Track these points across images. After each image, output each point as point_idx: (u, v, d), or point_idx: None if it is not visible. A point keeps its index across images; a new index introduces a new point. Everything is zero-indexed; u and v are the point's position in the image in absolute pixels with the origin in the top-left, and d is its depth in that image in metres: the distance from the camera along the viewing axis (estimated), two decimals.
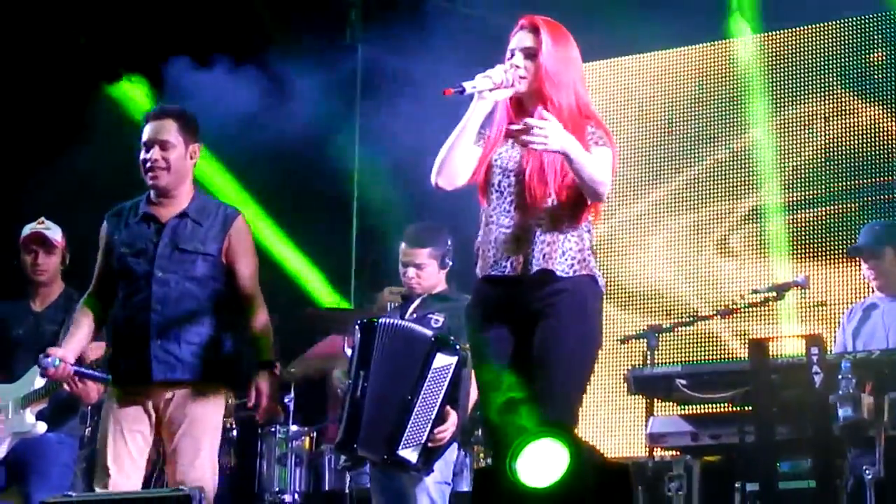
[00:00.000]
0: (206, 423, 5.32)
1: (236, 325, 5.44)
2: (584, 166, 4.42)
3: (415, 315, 6.10)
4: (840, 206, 8.09)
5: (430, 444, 5.67)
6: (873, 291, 6.79)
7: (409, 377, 5.70)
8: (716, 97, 8.66)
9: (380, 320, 5.91)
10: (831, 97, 8.32)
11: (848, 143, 8.23)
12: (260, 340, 5.42)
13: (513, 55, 4.63)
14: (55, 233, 6.69)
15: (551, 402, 4.38)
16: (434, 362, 5.69)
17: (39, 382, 6.42)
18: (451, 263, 6.13)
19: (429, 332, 5.81)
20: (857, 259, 6.93)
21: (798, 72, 8.46)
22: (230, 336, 5.43)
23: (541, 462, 3.85)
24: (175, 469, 5.28)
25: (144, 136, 5.42)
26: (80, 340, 5.51)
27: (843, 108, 8.26)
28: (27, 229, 6.68)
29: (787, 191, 8.33)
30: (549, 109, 4.54)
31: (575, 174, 4.45)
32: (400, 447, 5.64)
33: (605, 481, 3.74)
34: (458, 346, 5.70)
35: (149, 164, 5.38)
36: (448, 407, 5.70)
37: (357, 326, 5.90)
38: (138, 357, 5.31)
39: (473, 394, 5.74)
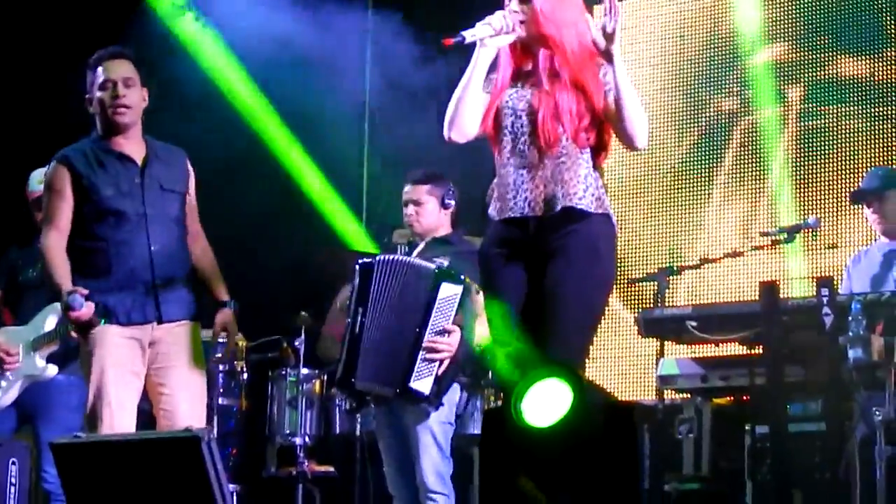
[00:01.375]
0: (200, 360, 5.43)
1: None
2: (630, 95, 4.49)
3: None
4: (848, 149, 8.02)
5: (440, 374, 5.73)
6: (878, 238, 6.73)
7: (417, 310, 5.76)
8: (721, 45, 8.57)
9: (378, 257, 5.97)
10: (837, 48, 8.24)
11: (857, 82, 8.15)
12: (216, 280, 5.56)
13: (511, 2, 4.59)
14: None
15: (561, 341, 4.39)
16: (440, 292, 5.75)
17: (50, 325, 6.43)
18: (452, 204, 6.15)
19: (432, 265, 5.85)
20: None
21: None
22: (211, 270, 5.59)
23: (545, 402, 3.86)
24: (174, 406, 5.34)
25: (104, 76, 5.41)
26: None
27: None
28: (32, 184, 6.58)
29: (796, 135, 8.27)
30: (553, 50, 4.52)
31: (617, 106, 4.50)
32: (412, 379, 5.71)
33: (610, 419, 3.74)
34: (461, 276, 5.76)
35: (116, 101, 5.39)
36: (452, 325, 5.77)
37: (356, 266, 5.95)
38: (141, 298, 5.35)
39: (481, 330, 5.75)
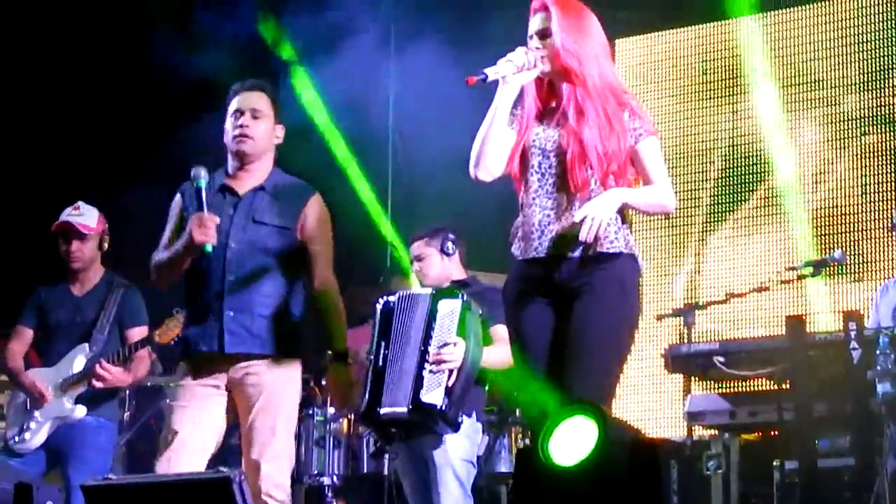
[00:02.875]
0: (281, 399, 5.20)
1: (308, 302, 5.34)
2: (647, 202, 4.59)
3: None
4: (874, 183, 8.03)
5: (450, 385, 5.75)
6: None
7: (420, 331, 5.86)
8: (747, 79, 8.60)
9: (398, 295, 6.06)
10: (868, 70, 8.25)
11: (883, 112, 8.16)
12: (334, 328, 5.32)
13: (531, 39, 4.60)
14: (88, 218, 6.64)
15: (588, 379, 4.38)
16: (439, 310, 5.86)
17: (78, 366, 6.47)
18: (455, 249, 6.24)
19: (428, 290, 6.00)
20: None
21: (832, 45, 8.39)
22: (301, 313, 5.32)
23: (571, 440, 3.86)
24: (251, 446, 5.18)
25: (236, 105, 5.35)
26: None
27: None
28: (61, 216, 6.66)
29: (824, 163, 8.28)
30: (575, 83, 4.54)
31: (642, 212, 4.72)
32: (423, 394, 5.75)
33: (635, 456, 3.74)
34: (459, 293, 5.87)
35: (238, 131, 5.30)
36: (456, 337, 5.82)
37: (378, 305, 6.04)
38: (211, 329, 5.23)
39: (498, 355, 5.77)
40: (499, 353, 5.77)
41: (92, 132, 9.11)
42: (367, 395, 5.89)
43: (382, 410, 5.86)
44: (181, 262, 5.28)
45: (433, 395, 5.75)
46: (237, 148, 5.32)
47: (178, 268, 5.31)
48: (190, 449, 5.19)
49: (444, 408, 5.73)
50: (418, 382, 5.77)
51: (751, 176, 8.55)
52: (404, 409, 5.80)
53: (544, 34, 4.57)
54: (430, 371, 5.78)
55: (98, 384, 6.37)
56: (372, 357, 5.95)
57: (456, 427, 5.79)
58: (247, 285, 5.23)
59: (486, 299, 5.91)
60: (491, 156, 4.57)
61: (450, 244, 6.24)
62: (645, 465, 3.75)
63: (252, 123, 5.30)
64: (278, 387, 5.19)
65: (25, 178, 8.91)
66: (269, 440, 5.15)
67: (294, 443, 5.37)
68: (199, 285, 5.30)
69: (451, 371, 5.76)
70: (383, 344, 5.92)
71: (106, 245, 6.73)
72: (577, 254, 4.49)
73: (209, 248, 5.16)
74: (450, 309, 5.86)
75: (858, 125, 8.21)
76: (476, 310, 5.86)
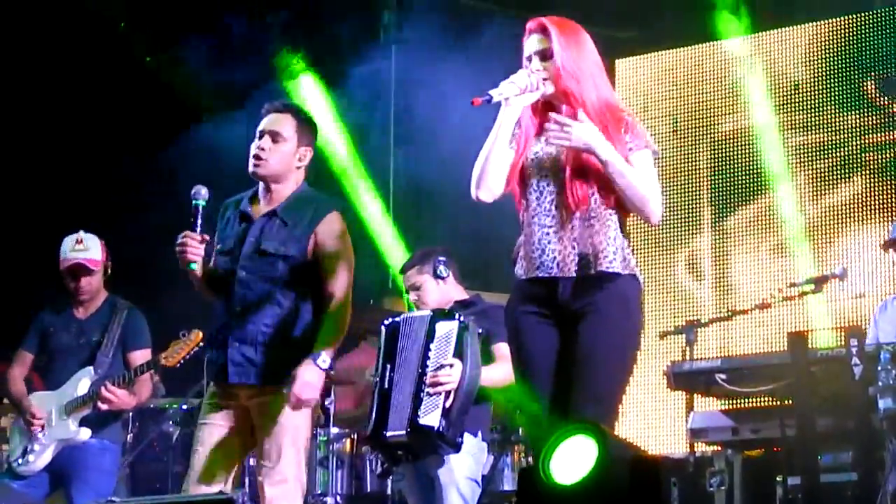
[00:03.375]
0: (286, 426, 5.16)
1: (318, 322, 5.24)
2: (627, 179, 4.45)
3: None
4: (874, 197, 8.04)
5: (447, 406, 5.74)
6: None
7: (418, 353, 5.86)
8: (744, 98, 8.62)
9: (402, 317, 6.05)
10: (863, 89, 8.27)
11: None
12: (321, 333, 5.18)
13: (530, 60, 4.60)
14: (93, 251, 6.64)
15: (597, 407, 4.37)
16: (436, 331, 5.86)
17: (83, 389, 6.48)
18: (448, 271, 6.21)
19: (427, 312, 5.98)
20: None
21: (832, 64, 8.41)
22: (311, 336, 5.20)
23: (572, 459, 3.87)
24: (259, 470, 5.20)
25: (260, 126, 5.32)
26: None
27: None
28: (65, 251, 6.64)
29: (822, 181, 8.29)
30: (573, 106, 4.54)
31: (613, 182, 4.46)
32: (420, 416, 5.75)
33: (635, 473, 3.75)
34: (456, 315, 5.86)
35: (255, 153, 5.29)
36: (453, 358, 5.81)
37: (383, 326, 6.04)
38: (219, 359, 5.25)
39: (499, 373, 5.78)
40: (500, 372, 5.77)
41: (91, 153, 9.13)
42: (373, 418, 5.91)
43: (388, 434, 5.87)
44: (193, 280, 5.30)
45: (430, 417, 5.75)
46: (251, 170, 5.31)
47: (195, 285, 5.34)
48: (211, 467, 5.19)
49: (441, 429, 5.73)
50: (416, 405, 5.78)
51: (749, 192, 8.56)
52: (403, 433, 5.81)
53: (545, 55, 4.57)
54: (427, 393, 5.78)
55: (103, 406, 6.39)
56: (377, 379, 5.97)
57: (457, 447, 5.79)
58: (252, 315, 5.21)
59: (489, 317, 5.92)
60: (493, 176, 4.57)
61: (441, 267, 6.20)
62: (646, 483, 3.76)
63: (270, 147, 5.27)
64: (285, 414, 5.15)
65: (25, 199, 8.92)
66: (275, 464, 5.14)
67: (305, 469, 5.29)
68: (215, 312, 5.33)
69: (447, 392, 5.76)
70: (388, 366, 5.93)
71: (109, 271, 6.76)
72: (578, 273, 4.49)
73: (193, 266, 5.17)
74: (447, 330, 5.86)
75: (858, 143, 8.22)
76: (475, 329, 5.86)
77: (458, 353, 5.80)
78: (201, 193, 5.24)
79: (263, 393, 5.18)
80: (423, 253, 6.33)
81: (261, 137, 5.29)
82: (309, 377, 5.10)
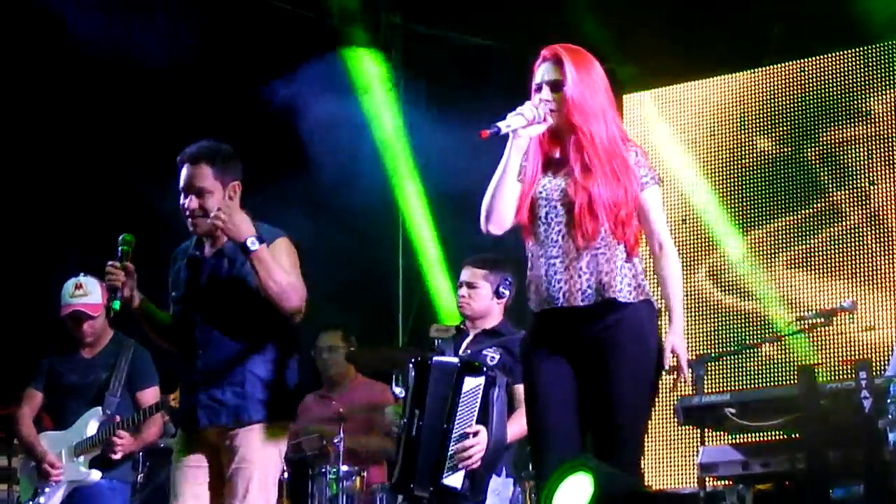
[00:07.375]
0: (254, 462, 5.15)
1: (284, 356, 5.24)
2: (682, 297, 4.66)
3: (468, 351, 6.13)
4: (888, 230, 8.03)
5: (472, 468, 5.67)
6: None
7: (445, 406, 5.73)
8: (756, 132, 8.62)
9: (433, 359, 5.91)
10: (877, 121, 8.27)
11: None
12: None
13: (540, 88, 4.60)
14: (93, 295, 6.64)
15: (625, 455, 4.41)
16: (464, 386, 5.72)
17: (92, 430, 6.49)
18: (507, 294, 6.14)
19: (454, 359, 5.86)
20: None
21: (842, 94, 8.41)
22: (277, 370, 5.21)
23: (572, 497, 3.87)
24: None
25: (181, 182, 5.25)
26: None
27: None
28: (65, 297, 6.65)
29: (834, 214, 8.28)
30: (581, 139, 4.55)
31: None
32: (444, 476, 5.68)
33: None
34: (484, 368, 5.74)
35: (187, 213, 5.22)
36: (477, 425, 5.70)
37: (411, 365, 5.91)
38: (188, 403, 5.25)
39: (522, 424, 5.75)
40: (520, 425, 5.67)
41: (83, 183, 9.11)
42: (399, 466, 5.84)
43: (413, 491, 5.80)
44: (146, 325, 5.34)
45: (454, 478, 5.67)
46: (192, 230, 5.26)
47: (147, 329, 5.39)
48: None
49: (465, 490, 5.68)
50: (441, 463, 5.68)
51: (759, 222, 8.55)
52: (426, 494, 5.75)
53: (556, 86, 4.58)
54: (450, 456, 5.68)
55: (115, 456, 6.39)
56: (405, 421, 5.86)
57: (482, 502, 5.74)
58: (217, 357, 5.19)
59: (511, 353, 5.85)
60: (502, 209, 4.57)
61: (503, 289, 6.12)
62: None
63: (198, 204, 5.19)
64: (253, 450, 5.14)
65: (31, 234, 8.91)
66: (241, 501, 5.11)
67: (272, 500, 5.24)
68: (181, 359, 5.31)
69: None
70: (417, 412, 5.81)
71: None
72: (584, 303, 4.49)
73: (116, 304, 5.15)
74: (473, 386, 5.72)
75: (865, 174, 8.22)
76: (502, 381, 5.73)
77: (483, 415, 5.69)
78: (124, 239, 5.22)
79: (233, 430, 5.15)
80: (496, 260, 6.19)
81: (186, 195, 5.21)
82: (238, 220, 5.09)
